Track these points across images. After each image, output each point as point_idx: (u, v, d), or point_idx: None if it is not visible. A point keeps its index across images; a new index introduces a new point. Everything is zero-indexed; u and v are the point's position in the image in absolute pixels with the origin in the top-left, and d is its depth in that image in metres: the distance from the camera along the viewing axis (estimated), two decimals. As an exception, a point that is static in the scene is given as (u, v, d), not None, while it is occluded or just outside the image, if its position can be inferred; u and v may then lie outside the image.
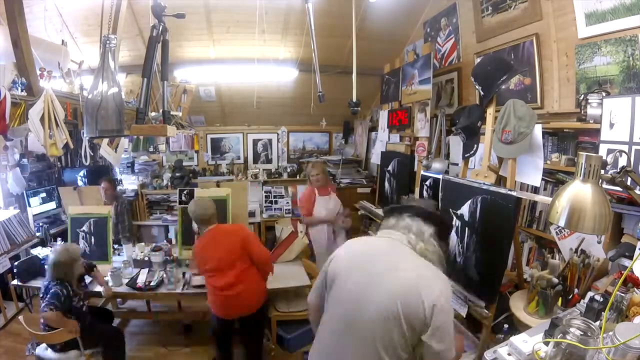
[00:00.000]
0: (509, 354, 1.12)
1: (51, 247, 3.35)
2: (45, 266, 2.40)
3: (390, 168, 3.54)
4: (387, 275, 1.15)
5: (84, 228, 2.91)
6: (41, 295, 2.24)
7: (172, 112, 2.57)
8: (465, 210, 2.00)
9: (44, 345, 2.27)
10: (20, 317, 2.24)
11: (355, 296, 1.17)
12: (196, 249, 2.46)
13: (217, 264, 2.33)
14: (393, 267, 1.18)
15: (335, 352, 1.19)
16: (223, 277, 2.30)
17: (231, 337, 2.52)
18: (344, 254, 1.32)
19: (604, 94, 1.80)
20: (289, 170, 5.36)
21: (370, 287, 1.15)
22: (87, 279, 2.65)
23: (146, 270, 2.90)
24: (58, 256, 2.24)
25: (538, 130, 1.79)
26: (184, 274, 2.86)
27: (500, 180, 1.99)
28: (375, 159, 4.05)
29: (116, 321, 3.35)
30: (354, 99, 2.71)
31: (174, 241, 3.70)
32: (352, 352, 1.14)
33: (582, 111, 1.87)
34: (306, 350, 2.65)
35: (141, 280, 2.69)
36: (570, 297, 1.58)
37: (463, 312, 1.92)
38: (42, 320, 2.19)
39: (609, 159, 1.03)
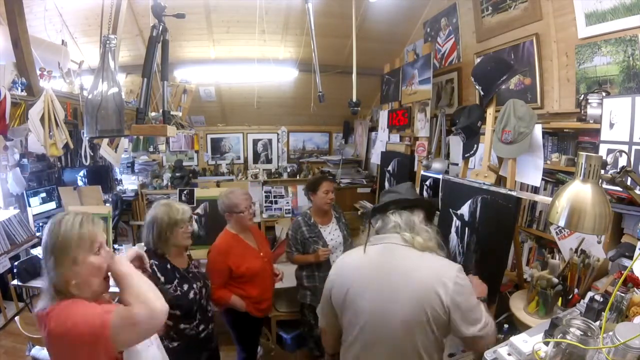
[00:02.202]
0: (509, 354, 1.12)
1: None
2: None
3: (390, 168, 3.54)
4: (401, 284, 1.13)
5: (84, 228, 2.91)
6: None
7: (172, 112, 2.57)
8: (465, 210, 2.00)
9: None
10: (17, 318, 2.24)
11: (377, 316, 1.15)
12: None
13: (269, 256, 2.34)
14: (402, 272, 1.16)
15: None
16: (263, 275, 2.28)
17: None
18: (346, 274, 1.25)
19: (604, 94, 1.80)
20: (289, 170, 5.36)
21: (388, 302, 1.13)
22: None
23: (146, 270, 2.90)
24: None
25: (538, 130, 1.79)
26: (184, 274, 2.85)
27: (500, 180, 1.99)
28: (375, 159, 4.05)
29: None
30: (354, 99, 2.71)
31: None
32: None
33: (582, 111, 1.87)
34: (306, 349, 2.66)
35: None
36: (570, 297, 1.58)
37: (463, 312, 1.92)
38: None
39: (609, 159, 1.03)
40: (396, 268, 1.16)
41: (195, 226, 2.47)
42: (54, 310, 0.98)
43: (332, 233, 2.51)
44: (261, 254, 2.28)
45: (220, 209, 2.26)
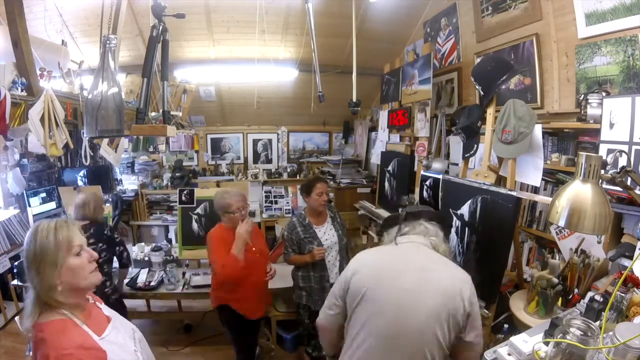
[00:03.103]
0: (509, 354, 1.12)
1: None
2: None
3: (390, 168, 3.54)
4: (429, 279, 1.19)
5: (84, 228, 2.91)
6: None
7: (172, 112, 2.57)
8: (465, 210, 2.00)
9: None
10: (17, 319, 2.24)
11: (396, 309, 1.17)
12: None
13: (263, 252, 2.36)
14: (429, 269, 1.22)
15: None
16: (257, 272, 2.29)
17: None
18: (367, 270, 1.27)
19: (604, 94, 1.80)
20: (289, 170, 5.36)
21: (413, 296, 1.17)
22: None
23: (146, 270, 2.91)
24: None
25: (538, 130, 1.79)
26: (184, 273, 2.86)
27: (500, 180, 1.99)
28: (375, 159, 4.05)
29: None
30: (354, 99, 2.72)
31: (174, 241, 3.71)
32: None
33: (582, 111, 1.87)
34: (305, 349, 2.66)
35: (141, 280, 2.69)
36: (570, 297, 1.58)
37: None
38: None
39: (609, 159, 1.03)
40: (424, 264, 1.23)
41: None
42: (44, 329, 0.97)
43: (327, 233, 2.50)
44: (257, 254, 2.28)
45: (215, 207, 2.31)
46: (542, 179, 1.92)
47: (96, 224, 2.33)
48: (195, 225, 3.16)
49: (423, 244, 1.29)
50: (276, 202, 5.19)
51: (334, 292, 1.35)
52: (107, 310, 1.19)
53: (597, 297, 1.30)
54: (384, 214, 3.47)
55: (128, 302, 3.54)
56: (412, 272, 1.21)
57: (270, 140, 5.44)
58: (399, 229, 1.36)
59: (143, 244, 3.31)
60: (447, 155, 2.98)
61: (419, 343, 1.14)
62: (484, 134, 2.07)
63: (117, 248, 2.40)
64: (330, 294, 1.38)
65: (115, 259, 2.42)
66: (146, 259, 2.97)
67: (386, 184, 3.65)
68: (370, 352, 1.19)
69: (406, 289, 1.18)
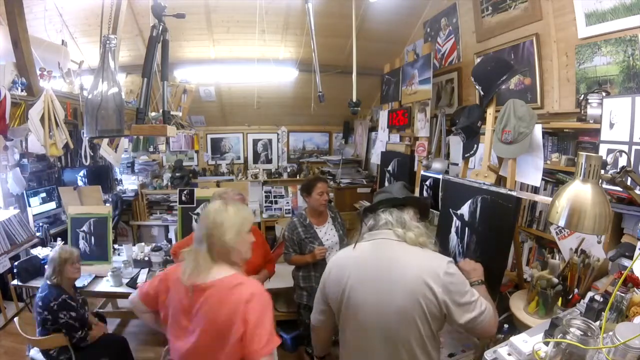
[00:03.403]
0: (509, 354, 1.12)
1: (51, 247, 3.36)
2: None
3: (390, 168, 3.54)
4: (395, 277, 1.16)
5: (84, 228, 2.92)
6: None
7: (172, 112, 2.57)
8: (465, 210, 2.00)
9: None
10: (16, 320, 2.24)
11: (373, 308, 1.17)
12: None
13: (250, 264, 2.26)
14: (395, 266, 1.18)
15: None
16: None
17: None
18: (341, 270, 1.27)
19: (604, 94, 1.80)
20: (289, 170, 5.36)
21: (384, 294, 1.16)
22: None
23: (146, 270, 2.91)
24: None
25: (538, 130, 1.79)
26: (184, 274, 2.86)
27: (500, 180, 1.99)
28: (375, 159, 4.05)
29: (116, 321, 3.36)
30: (354, 99, 2.72)
31: (174, 241, 3.71)
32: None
33: (582, 111, 1.87)
34: (305, 349, 2.66)
35: (141, 280, 2.69)
36: (570, 297, 1.58)
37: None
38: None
39: (609, 159, 1.03)
40: (389, 261, 1.20)
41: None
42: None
43: (327, 233, 2.50)
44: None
45: None
46: (542, 179, 1.92)
47: (52, 289, 2.14)
48: (195, 225, 3.16)
49: (388, 238, 1.24)
50: (276, 202, 5.20)
51: (317, 297, 1.38)
52: None
53: (597, 297, 1.30)
54: (384, 214, 3.47)
55: (128, 303, 3.55)
56: (378, 273, 1.19)
57: (270, 140, 5.44)
58: (361, 227, 1.34)
59: (143, 244, 3.30)
60: (447, 155, 2.98)
61: (394, 344, 1.16)
62: (484, 134, 2.07)
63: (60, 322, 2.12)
64: (315, 299, 1.40)
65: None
66: (146, 259, 2.97)
67: (386, 184, 3.65)
68: (355, 353, 1.24)
69: (377, 291, 1.17)
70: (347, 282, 1.23)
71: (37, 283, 2.57)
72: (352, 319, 1.23)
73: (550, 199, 1.15)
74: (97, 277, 2.81)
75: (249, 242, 1.33)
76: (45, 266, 2.26)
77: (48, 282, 2.19)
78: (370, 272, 1.21)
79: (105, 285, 2.74)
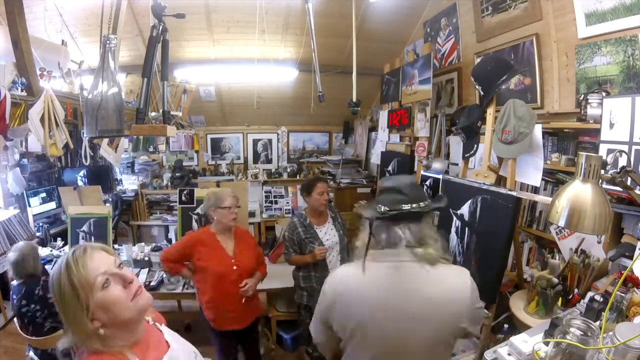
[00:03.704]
0: (509, 354, 1.12)
1: (51, 247, 3.36)
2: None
3: (390, 168, 3.54)
4: (422, 310, 1.02)
5: (84, 228, 2.92)
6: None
7: (172, 112, 2.57)
8: (465, 210, 2.00)
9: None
10: (16, 320, 2.24)
11: (394, 345, 1.03)
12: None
13: (245, 267, 2.21)
14: (420, 297, 1.02)
15: None
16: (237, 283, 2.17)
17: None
18: (352, 298, 1.06)
19: (604, 94, 1.80)
20: (289, 170, 5.36)
21: (408, 330, 1.02)
22: None
23: (146, 270, 2.91)
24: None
25: (538, 130, 1.79)
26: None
27: (500, 180, 1.99)
28: (375, 159, 4.05)
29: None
30: (354, 99, 2.72)
31: (174, 241, 3.70)
32: None
33: (582, 111, 1.87)
34: (306, 349, 2.66)
35: (141, 280, 2.69)
36: (570, 297, 1.58)
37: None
38: None
39: (609, 159, 1.03)
40: (412, 292, 1.02)
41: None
42: None
43: (328, 233, 2.48)
44: (234, 267, 2.16)
45: (205, 206, 2.27)
46: (542, 179, 1.92)
47: (30, 281, 2.13)
48: (195, 225, 3.16)
49: (407, 260, 1.04)
50: (276, 202, 5.20)
51: (317, 315, 1.18)
52: (168, 334, 1.05)
53: (597, 297, 1.30)
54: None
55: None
56: (400, 306, 1.02)
57: (270, 140, 5.44)
58: (368, 242, 1.09)
59: (143, 244, 3.31)
60: (447, 155, 2.98)
61: None
62: (484, 134, 2.07)
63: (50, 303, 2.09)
64: (314, 318, 1.20)
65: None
66: (146, 259, 2.97)
67: (386, 184, 3.65)
68: None
69: (398, 326, 1.02)
70: (359, 316, 1.05)
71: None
72: (366, 353, 1.07)
73: (550, 199, 1.15)
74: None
75: None
76: (11, 271, 2.16)
77: (17, 281, 2.14)
78: (391, 306, 1.03)
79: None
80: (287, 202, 5.20)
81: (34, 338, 2.12)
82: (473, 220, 1.94)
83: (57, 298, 0.86)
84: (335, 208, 2.72)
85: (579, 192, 1.00)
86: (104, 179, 4.38)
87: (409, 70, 3.17)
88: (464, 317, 1.03)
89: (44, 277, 2.19)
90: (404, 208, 1.05)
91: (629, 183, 1.12)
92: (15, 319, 2.17)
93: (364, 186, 4.62)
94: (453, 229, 2.09)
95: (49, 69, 2.63)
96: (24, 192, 3.77)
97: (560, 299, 1.58)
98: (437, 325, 1.02)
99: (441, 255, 1.07)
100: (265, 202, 5.17)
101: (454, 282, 1.05)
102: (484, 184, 1.92)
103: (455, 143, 2.85)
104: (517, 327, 1.66)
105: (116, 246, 3.31)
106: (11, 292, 2.15)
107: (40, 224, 3.82)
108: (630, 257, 1.51)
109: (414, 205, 1.05)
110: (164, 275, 2.75)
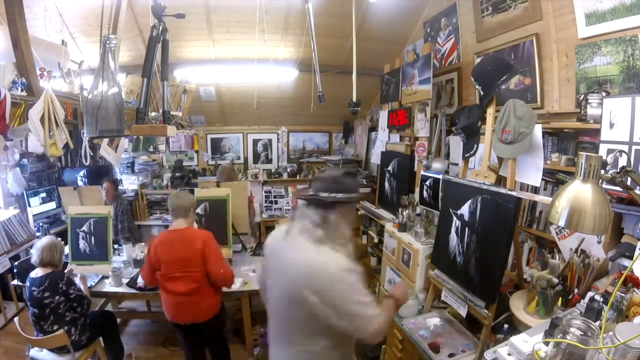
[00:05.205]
0: (509, 354, 1.12)
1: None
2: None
3: (390, 168, 3.54)
4: (285, 269, 1.28)
5: (84, 228, 2.91)
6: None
7: (172, 112, 2.57)
8: (465, 210, 2.00)
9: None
10: (16, 320, 2.25)
11: (273, 292, 1.36)
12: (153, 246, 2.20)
13: (169, 270, 2.12)
14: (289, 257, 1.28)
15: (274, 334, 1.41)
16: (175, 284, 2.13)
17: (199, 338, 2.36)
18: (267, 254, 1.44)
19: (604, 94, 1.80)
20: (289, 170, 5.36)
21: (279, 283, 1.32)
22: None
23: (146, 270, 2.90)
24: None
25: (538, 130, 1.79)
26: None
27: (500, 180, 1.99)
28: (375, 159, 4.05)
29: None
30: (354, 99, 2.72)
31: (174, 241, 3.69)
32: (281, 333, 1.36)
33: (582, 111, 1.87)
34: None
35: (141, 280, 2.69)
36: (570, 297, 1.58)
37: (463, 312, 1.92)
38: None
39: (609, 159, 1.03)
40: (285, 254, 1.30)
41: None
42: None
43: None
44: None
45: (187, 204, 2.27)
46: (542, 179, 1.92)
47: (53, 273, 2.20)
48: (195, 226, 3.15)
49: (299, 231, 1.29)
50: (276, 202, 5.20)
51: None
52: None
53: (597, 297, 1.30)
54: (385, 214, 3.47)
55: (128, 303, 3.56)
56: (279, 262, 1.33)
57: (270, 140, 5.44)
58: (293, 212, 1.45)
59: (143, 244, 3.30)
60: (447, 155, 2.98)
61: (287, 321, 1.31)
62: (484, 134, 2.07)
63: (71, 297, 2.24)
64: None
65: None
66: (146, 259, 2.97)
67: (386, 184, 3.65)
68: (271, 320, 1.42)
69: (276, 277, 1.34)
70: (265, 267, 1.45)
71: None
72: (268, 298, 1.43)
73: (550, 199, 1.16)
74: (103, 278, 2.81)
75: None
76: (35, 257, 2.23)
77: (41, 272, 2.18)
78: (275, 261, 1.36)
79: (106, 284, 2.74)
80: (287, 202, 5.21)
81: (37, 338, 2.14)
82: (473, 220, 1.94)
83: None
84: None
85: (579, 192, 1.00)
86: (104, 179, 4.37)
87: (409, 70, 3.17)
88: (306, 289, 1.18)
89: (67, 272, 2.44)
90: (321, 195, 1.28)
91: (629, 183, 1.12)
92: (30, 310, 2.18)
93: (364, 186, 4.61)
94: (453, 229, 2.09)
95: (49, 69, 2.63)
96: (24, 192, 3.77)
97: (560, 299, 1.58)
98: (287, 285, 1.27)
99: (334, 241, 1.25)
100: (265, 202, 5.18)
101: (311, 258, 1.23)
102: (484, 184, 1.92)
103: (455, 143, 2.85)
104: (517, 327, 1.66)
105: (116, 246, 3.30)
106: (28, 284, 2.16)
107: (40, 224, 3.82)
108: (630, 257, 1.51)
109: (323, 195, 1.28)
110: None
